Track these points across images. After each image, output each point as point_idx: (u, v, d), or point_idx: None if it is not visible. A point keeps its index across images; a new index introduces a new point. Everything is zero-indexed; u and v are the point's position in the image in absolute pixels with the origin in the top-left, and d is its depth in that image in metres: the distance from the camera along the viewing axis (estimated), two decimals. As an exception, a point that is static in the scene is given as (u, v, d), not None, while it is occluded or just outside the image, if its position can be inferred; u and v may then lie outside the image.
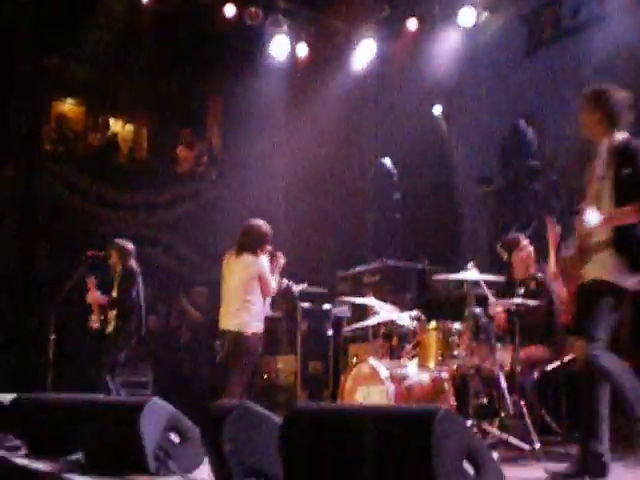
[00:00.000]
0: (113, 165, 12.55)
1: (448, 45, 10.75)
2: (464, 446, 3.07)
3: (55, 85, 11.99)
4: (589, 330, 4.63)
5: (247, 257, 7.08)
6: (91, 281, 8.42)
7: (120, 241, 8.56)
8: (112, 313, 8.31)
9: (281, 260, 7.35)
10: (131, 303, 8.25)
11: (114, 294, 8.36)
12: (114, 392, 7.92)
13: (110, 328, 8.28)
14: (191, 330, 11.18)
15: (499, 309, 6.91)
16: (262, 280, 7.06)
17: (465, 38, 10.65)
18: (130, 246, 8.52)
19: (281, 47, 11.76)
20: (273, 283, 7.18)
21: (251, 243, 7.12)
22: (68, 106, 12.50)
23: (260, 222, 7.24)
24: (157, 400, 5.16)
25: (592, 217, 4.64)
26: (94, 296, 8.42)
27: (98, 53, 11.47)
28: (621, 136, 4.87)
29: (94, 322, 8.43)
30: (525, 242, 7.36)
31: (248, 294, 7.05)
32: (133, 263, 8.44)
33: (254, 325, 7.03)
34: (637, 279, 4.66)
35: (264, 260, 7.14)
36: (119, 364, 8.22)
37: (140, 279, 8.38)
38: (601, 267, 4.70)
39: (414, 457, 2.91)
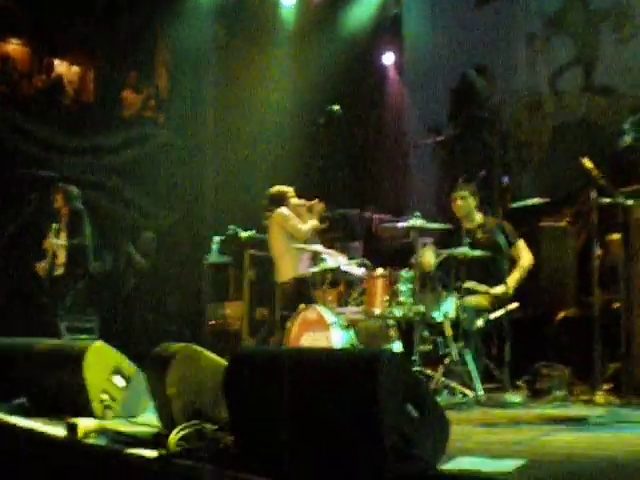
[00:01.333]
0: (58, 107, 12.31)
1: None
2: (409, 389, 3.10)
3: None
4: None
5: None
6: (52, 228, 8.34)
7: (64, 185, 8.46)
8: (61, 256, 8.24)
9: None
10: (82, 246, 8.20)
11: (62, 239, 8.27)
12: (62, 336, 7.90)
13: (59, 271, 8.21)
14: (136, 277, 11.12)
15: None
16: None
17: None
18: (75, 189, 8.43)
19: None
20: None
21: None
22: (12, 46, 12.20)
23: None
24: (101, 344, 5.14)
25: None
26: (51, 242, 8.33)
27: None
28: None
29: (42, 268, 8.34)
30: (461, 193, 7.39)
31: None
32: (80, 206, 8.36)
33: None
34: None
35: None
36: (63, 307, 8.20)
37: (87, 222, 8.32)
38: None
39: (359, 399, 2.93)
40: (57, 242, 8.37)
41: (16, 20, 11.68)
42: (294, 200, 7.97)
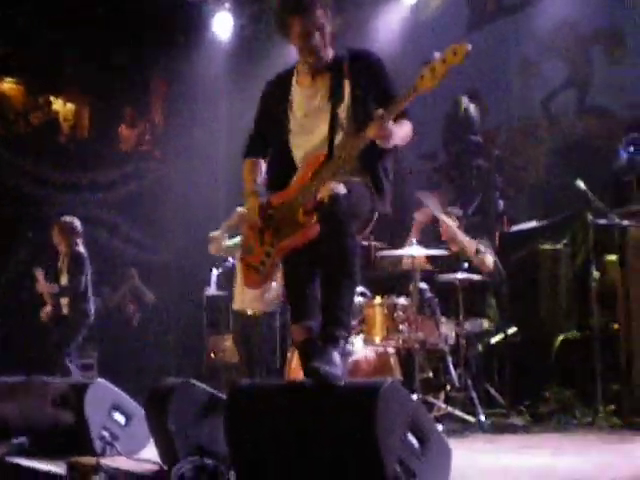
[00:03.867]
0: (54, 145, 12.37)
1: (391, 21, 10.74)
2: (409, 419, 3.09)
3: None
4: None
5: None
6: (39, 272, 8.28)
7: (64, 218, 8.39)
8: (64, 300, 8.21)
9: None
10: (83, 289, 8.18)
11: (63, 281, 8.24)
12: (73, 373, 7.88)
13: (65, 311, 8.19)
14: (144, 311, 11.13)
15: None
16: None
17: (408, 14, 10.65)
18: (75, 223, 8.36)
19: (224, 24, 11.69)
20: None
21: None
22: (7, 85, 12.27)
23: None
24: (101, 381, 5.14)
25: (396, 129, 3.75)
26: (43, 285, 8.28)
27: (38, 31, 11.28)
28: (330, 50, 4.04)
29: (45, 313, 8.30)
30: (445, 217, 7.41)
31: None
32: (80, 246, 8.32)
33: None
34: None
35: None
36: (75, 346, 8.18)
37: (88, 262, 8.30)
38: None
39: (358, 431, 2.92)
40: (49, 286, 8.32)
41: (11, 59, 11.76)
42: None
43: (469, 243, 7.06)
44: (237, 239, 7.33)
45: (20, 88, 12.38)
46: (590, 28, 8.93)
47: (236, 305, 7.66)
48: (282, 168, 4.00)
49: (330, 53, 3.98)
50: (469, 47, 3.55)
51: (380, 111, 3.58)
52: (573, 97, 9.16)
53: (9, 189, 11.32)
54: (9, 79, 12.25)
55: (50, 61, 11.96)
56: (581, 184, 5.92)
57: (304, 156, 3.91)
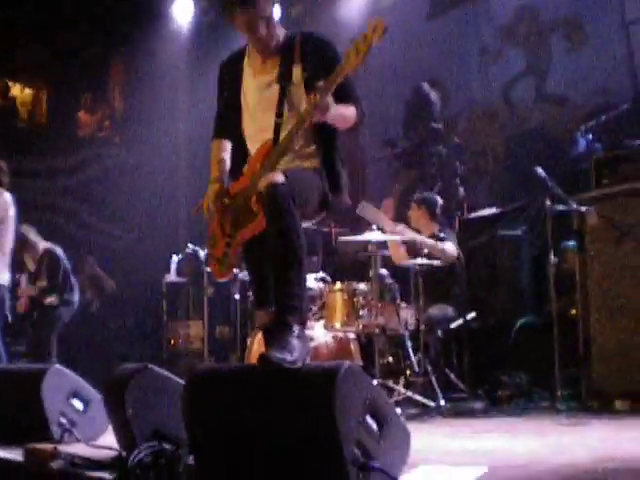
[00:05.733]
0: (12, 130, 12.22)
1: (351, 8, 10.72)
2: (367, 402, 3.10)
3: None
4: None
5: None
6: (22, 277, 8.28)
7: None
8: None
9: None
10: (63, 283, 8.21)
11: (43, 282, 8.23)
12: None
13: (49, 300, 8.18)
14: (102, 298, 11.05)
15: None
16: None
17: (368, 2, 10.64)
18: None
19: (184, 8, 11.61)
20: None
21: None
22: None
23: None
24: (59, 367, 5.10)
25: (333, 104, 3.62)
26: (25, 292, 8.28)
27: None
28: (282, 30, 4.04)
29: (21, 306, 8.27)
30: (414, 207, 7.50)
31: None
32: (45, 243, 8.32)
33: None
34: None
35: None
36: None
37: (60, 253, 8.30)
38: None
39: (316, 414, 2.92)
40: (28, 289, 8.29)
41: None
42: None
43: (428, 244, 7.05)
44: None
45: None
46: (550, 15, 8.98)
47: None
48: (239, 154, 4.01)
49: (281, 34, 3.96)
50: (385, 22, 3.49)
51: (320, 83, 3.55)
52: (532, 84, 9.22)
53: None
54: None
55: (8, 46, 11.79)
56: (540, 171, 5.96)
57: (255, 144, 3.90)
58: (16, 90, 12.52)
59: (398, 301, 6.84)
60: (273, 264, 3.55)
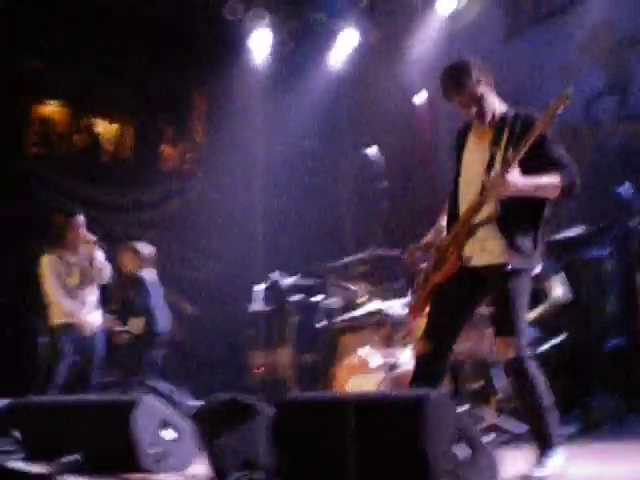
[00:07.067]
0: (98, 165, 12.50)
1: (428, 33, 10.74)
2: (457, 430, 3.08)
3: (37, 87, 11.91)
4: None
5: None
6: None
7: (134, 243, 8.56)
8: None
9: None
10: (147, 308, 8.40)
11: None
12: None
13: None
14: (186, 326, 11.15)
15: None
16: None
17: (444, 25, 10.64)
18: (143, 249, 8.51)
19: (262, 41, 11.74)
20: None
21: None
22: (51, 108, 12.43)
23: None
24: (149, 398, 5.18)
25: (520, 179, 4.00)
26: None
27: (79, 54, 11.44)
28: (503, 106, 4.45)
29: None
30: None
31: None
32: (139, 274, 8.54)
33: None
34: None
35: None
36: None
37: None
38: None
39: (405, 442, 2.92)
40: (113, 322, 8.48)
41: (52, 81, 11.91)
42: None
43: None
44: None
45: (62, 110, 12.53)
46: (626, 31, 8.84)
47: None
48: (453, 212, 4.46)
49: (499, 109, 4.40)
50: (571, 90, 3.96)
51: (508, 156, 4.07)
52: (614, 102, 9.07)
53: (54, 211, 11.43)
54: (51, 102, 12.39)
55: (91, 82, 12.09)
56: (622, 190, 5.85)
57: (464, 202, 4.35)
58: (101, 127, 12.81)
59: (483, 325, 6.76)
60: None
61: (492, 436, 5.96)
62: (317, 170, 12.21)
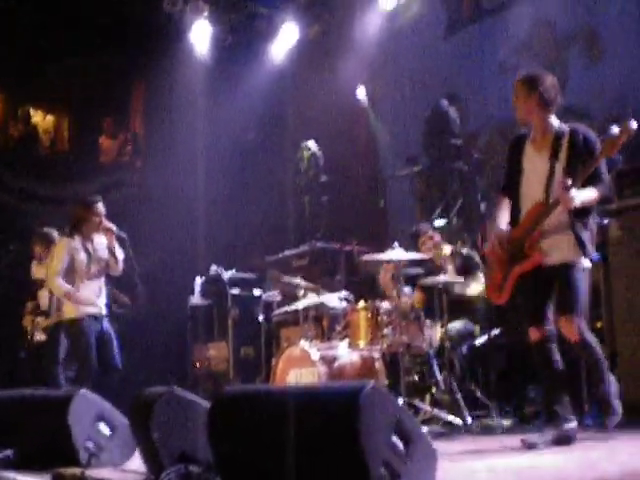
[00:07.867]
0: (35, 157, 12.31)
1: (369, 28, 10.77)
2: (393, 421, 3.10)
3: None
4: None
5: None
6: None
7: (44, 230, 8.35)
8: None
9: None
10: None
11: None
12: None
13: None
14: (120, 320, 11.03)
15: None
16: None
17: (386, 21, 10.69)
18: (53, 234, 8.32)
19: (202, 33, 11.67)
20: None
21: None
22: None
23: None
24: (85, 392, 5.10)
25: (577, 195, 4.67)
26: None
27: (16, 41, 11.24)
28: (557, 121, 5.02)
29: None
30: (429, 233, 7.47)
31: None
32: None
33: None
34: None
35: None
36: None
37: None
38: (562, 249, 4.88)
39: (342, 434, 2.92)
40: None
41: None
42: None
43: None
44: None
45: (-1, 99, 12.32)
46: (567, 29, 8.96)
47: None
48: (516, 209, 5.07)
49: (555, 124, 4.99)
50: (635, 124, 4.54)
51: (567, 181, 4.63)
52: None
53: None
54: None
55: (29, 72, 11.89)
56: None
57: (527, 202, 4.99)
58: (38, 117, 12.62)
59: (422, 318, 6.82)
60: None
61: (429, 427, 6.01)
62: (258, 162, 12.17)
